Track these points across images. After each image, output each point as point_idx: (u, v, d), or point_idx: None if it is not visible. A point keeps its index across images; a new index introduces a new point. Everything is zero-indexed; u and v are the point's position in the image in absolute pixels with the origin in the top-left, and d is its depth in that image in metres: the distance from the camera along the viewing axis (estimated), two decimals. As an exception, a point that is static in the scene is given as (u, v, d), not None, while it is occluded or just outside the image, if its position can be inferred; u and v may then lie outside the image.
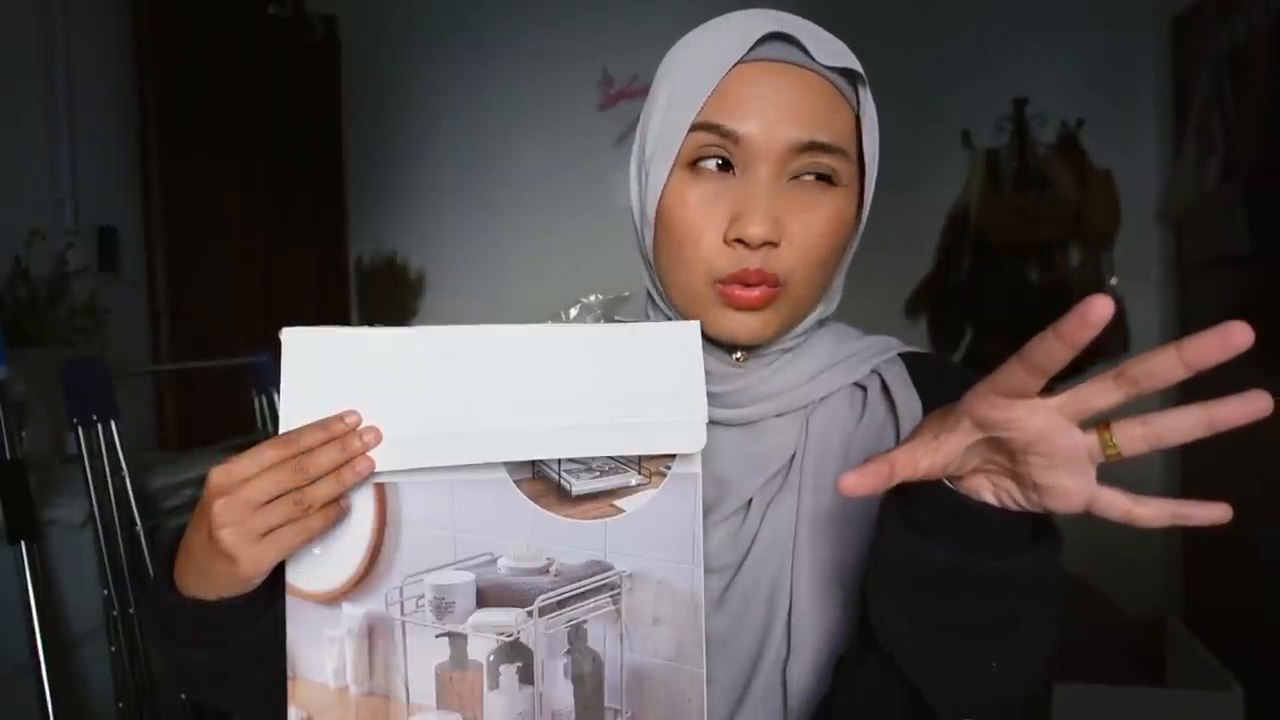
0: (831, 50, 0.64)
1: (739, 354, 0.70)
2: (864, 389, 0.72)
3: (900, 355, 0.73)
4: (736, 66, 0.63)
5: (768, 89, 0.63)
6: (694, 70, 0.64)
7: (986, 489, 0.50)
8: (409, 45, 3.29)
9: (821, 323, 0.74)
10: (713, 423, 0.67)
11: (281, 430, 0.56)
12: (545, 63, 3.18)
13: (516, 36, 3.20)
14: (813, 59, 0.63)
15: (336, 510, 0.56)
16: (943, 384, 0.67)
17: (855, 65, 0.64)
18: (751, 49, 0.63)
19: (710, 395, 0.67)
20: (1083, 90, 2.88)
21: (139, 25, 2.38)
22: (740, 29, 0.63)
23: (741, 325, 0.65)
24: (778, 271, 0.63)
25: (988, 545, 0.51)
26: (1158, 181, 2.87)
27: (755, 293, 0.63)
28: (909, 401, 0.69)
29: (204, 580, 0.56)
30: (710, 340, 0.67)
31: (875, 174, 0.68)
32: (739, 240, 0.63)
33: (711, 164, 0.64)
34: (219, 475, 0.53)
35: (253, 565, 0.54)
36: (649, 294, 0.75)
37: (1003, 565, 0.51)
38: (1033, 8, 2.92)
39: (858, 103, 0.66)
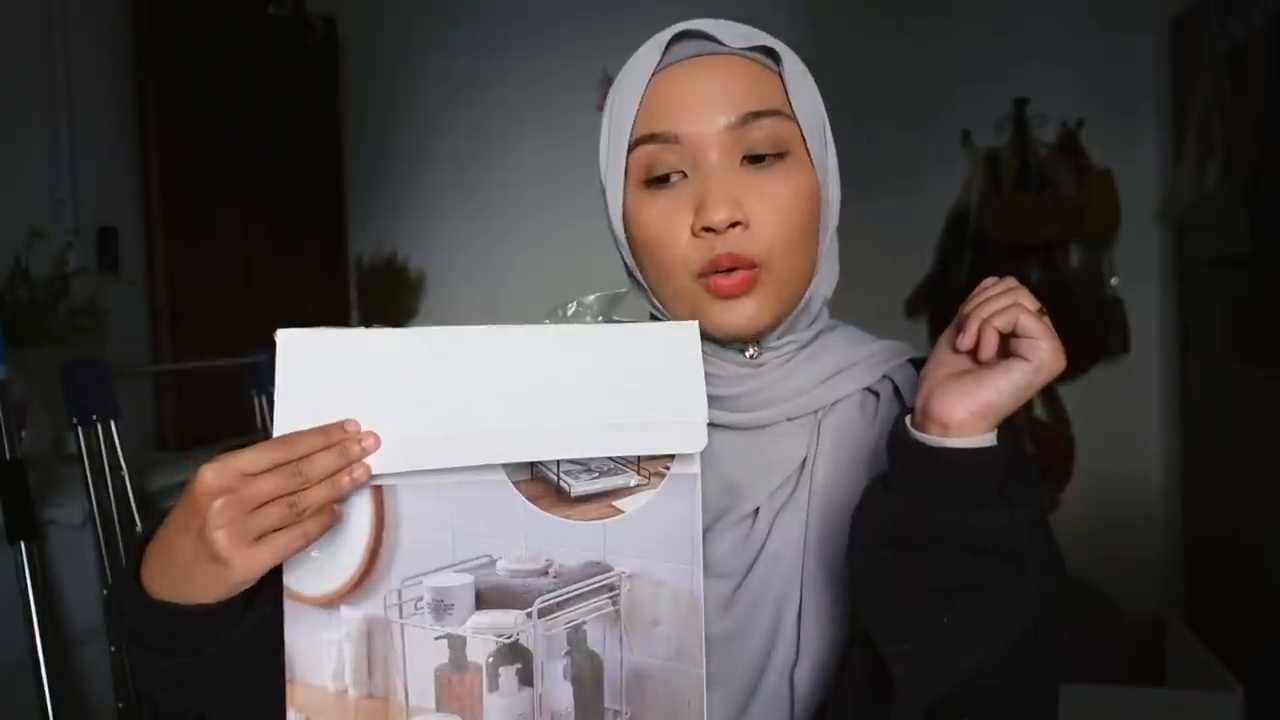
0: (741, 34, 0.66)
1: (751, 350, 0.70)
2: (876, 394, 0.71)
3: (912, 360, 0.73)
4: (657, 75, 0.66)
5: (690, 83, 0.65)
6: (623, 91, 0.67)
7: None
8: (409, 45, 3.29)
9: (832, 326, 0.74)
10: (723, 426, 0.68)
11: (276, 432, 0.55)
12: (545, 63, 3.18)
13: (517, 36, 3.20)
14: (724, 45, 0.65)
15: (330, 516, 0.55)
16: None
17: (768, 41, 0.66)
18: (667, 54, 0.66)
19: (721, 398, 0.68)
20: (1083, 90, 2.88)
21: (139, 25, 2.38)
22: (654, 41, 0.66)
23: (732, 315, 0.65)
24: (751, 254, 0.64)
25: (955, 501, 0.55)
26: (1158, 181, 2.87)
27: (734, 279, 0.64)
28: None
29: (185, 583, 0.54)
30: (717, 341, 0.68)
31: (827, 143, 0.69)
32: (706, 229, 0.64)
33: (663, 181, 0.66)
34: (212, 474, 0.51)
35: (245, 570, 0.52)
36: (650, 314, 0.75)
37: (966, 519, 0.55)
38: (1033, 8, 2.92)
39: (783, 74, 0.67)
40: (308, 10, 3.07)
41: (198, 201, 2.55)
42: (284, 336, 0.57)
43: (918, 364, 0.72)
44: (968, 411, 0.55)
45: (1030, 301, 0.56)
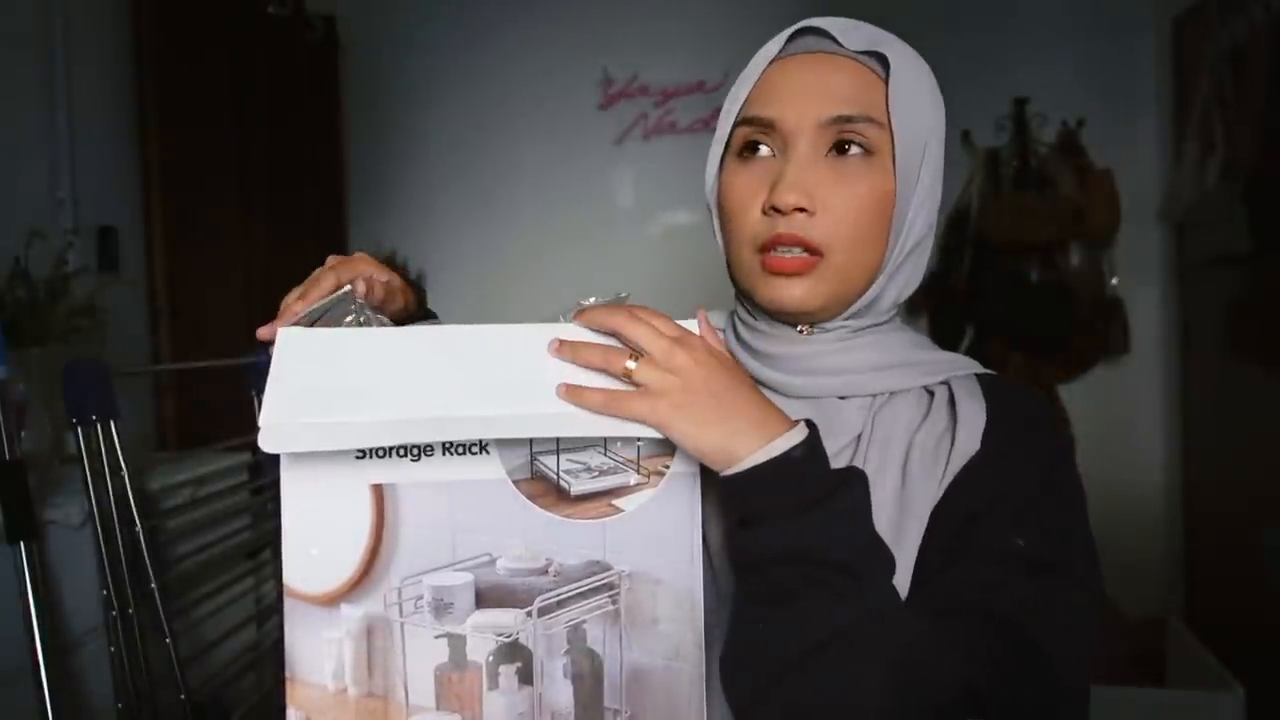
0: (859, 37, 0.68)
1: (803, 328, 0.72)
2: (931, 395, 0.71)
3: (976, 375, 0.72)
4: (773, 65, 0.70)
5: (795, 77, 0.68)
6: (743, 75, 0.72)
7: None
8: (409, 45, 3.29)
9: (899, 327, 0.74)
10: (776, 391, 0.70)
11: (263, 422, 0.55)
12: (545, 62, 3.18)
13: (516, 36, 3.20)
14: (840, 45, 0.68)
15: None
16: (1009, 403, 0.68)
17: (881, 48, 0.68)
18: (789, 46, 0.69)
19: (770, 356, 0.71)
20: (1083, 90, 2.88)
21: (139, 25, 2.37)
22: (781, 34, 0.70)
23: (783, 291, 0.68)
24: (813, 239, 0.66)
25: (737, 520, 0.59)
26: (1158, 181, 2.87)
27: (792, 258, 0.67)
28: (974, 416, 0.67)
29: None
30: (771, 315, 0.72)
31: (919, 149, 0.68)
32: (775, 209, 0.67)
33: (754, 150, 0.69)
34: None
35: None
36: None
37: (740, 537, 0.58)
38: (1033, 8, 2.92)
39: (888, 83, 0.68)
40: (308, 10, 3.07)
41: (198, 201, 2.54)
42: (285, 334, 0.58)
43: (983, 381, 0.71)
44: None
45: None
